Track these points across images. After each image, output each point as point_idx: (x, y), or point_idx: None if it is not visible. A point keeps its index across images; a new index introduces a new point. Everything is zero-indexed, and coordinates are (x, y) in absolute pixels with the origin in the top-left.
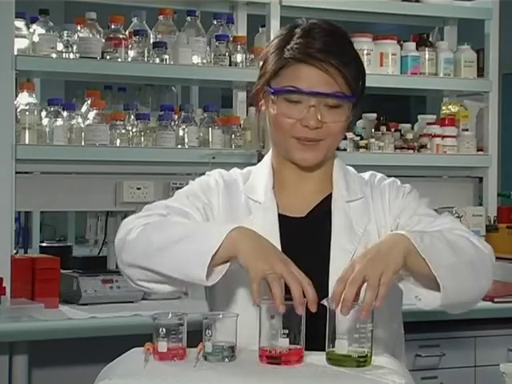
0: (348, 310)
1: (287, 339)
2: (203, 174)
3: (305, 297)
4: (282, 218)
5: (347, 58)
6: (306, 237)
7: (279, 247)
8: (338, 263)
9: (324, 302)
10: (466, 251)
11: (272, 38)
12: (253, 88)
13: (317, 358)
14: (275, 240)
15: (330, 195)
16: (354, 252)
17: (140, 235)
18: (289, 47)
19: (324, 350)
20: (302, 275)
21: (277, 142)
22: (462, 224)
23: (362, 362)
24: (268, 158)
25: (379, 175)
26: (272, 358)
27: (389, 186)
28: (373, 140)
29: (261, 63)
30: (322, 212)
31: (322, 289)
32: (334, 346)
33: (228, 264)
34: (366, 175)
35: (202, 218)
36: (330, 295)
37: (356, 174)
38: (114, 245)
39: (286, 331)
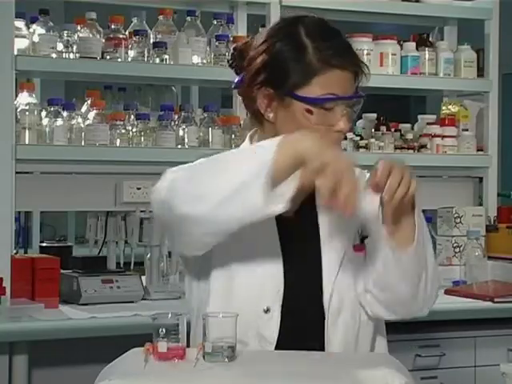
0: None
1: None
2: None
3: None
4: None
5: None
6: (298, 237)
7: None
8: (330, 257)
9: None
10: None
11: (262, 37)
12: (257, 94)
13: (320, 358)
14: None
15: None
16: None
17: (190, 172)
18: (320, 53)
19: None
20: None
21: None
22: None
23: None
24: None
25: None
26: None
27: None
28: (373, 140)
29: (254, 65)
30: (309, 206)
31: (315, 288)
32: None
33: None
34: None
35: None
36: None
37: None
38: (113, 244)
39: None
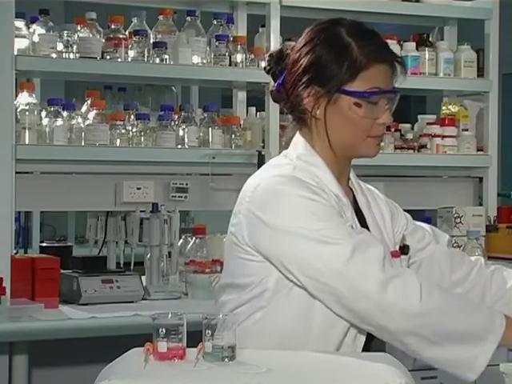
0: None
1: None
2: (203, 174)
3: None
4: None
5: None
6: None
7: None
8: None
9: None
10: None
11: (296, 44)
12: (303, 94)
13: (321, 358)
14: None
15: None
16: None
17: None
18: (363, 50)
19: None
20: None
21: (347, 141)
22: None
23: None
24: (319, 161)
25: None
26: None
27: None
28: None
29: (300, 66)
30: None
31: None
32: None
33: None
34: None
35: None
36: None
37: None
38: (113, 244)
39: None
